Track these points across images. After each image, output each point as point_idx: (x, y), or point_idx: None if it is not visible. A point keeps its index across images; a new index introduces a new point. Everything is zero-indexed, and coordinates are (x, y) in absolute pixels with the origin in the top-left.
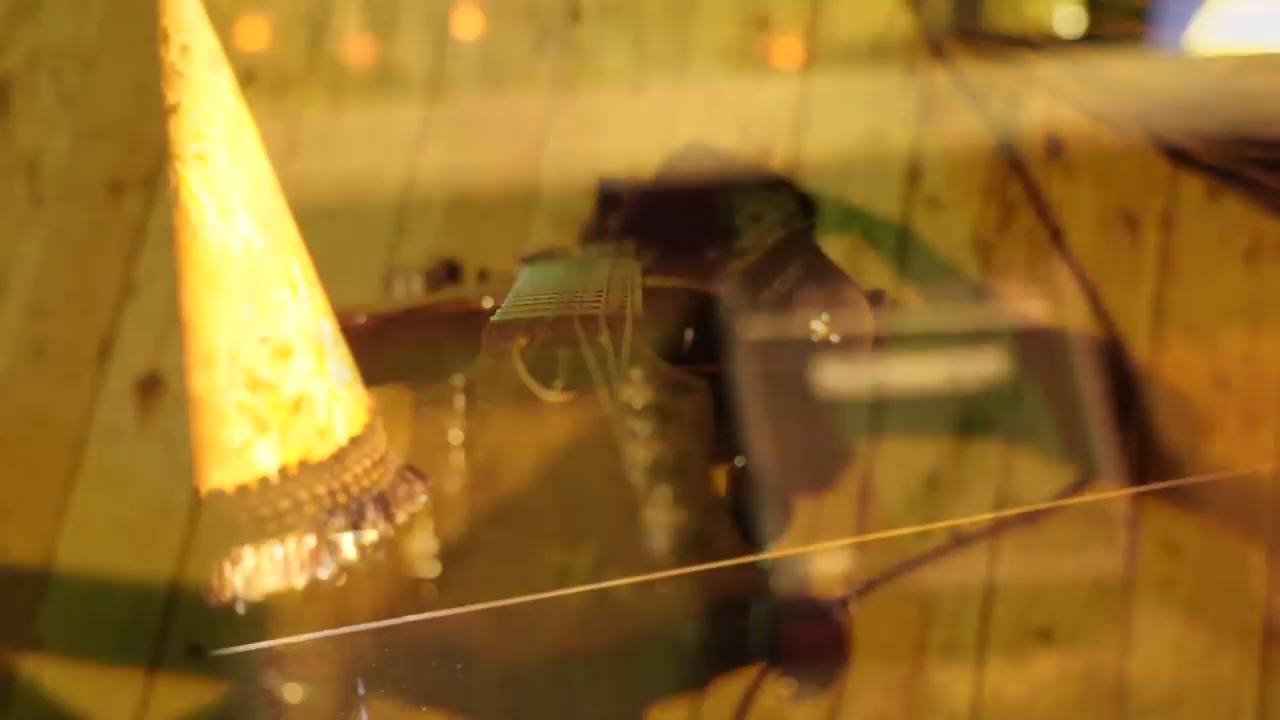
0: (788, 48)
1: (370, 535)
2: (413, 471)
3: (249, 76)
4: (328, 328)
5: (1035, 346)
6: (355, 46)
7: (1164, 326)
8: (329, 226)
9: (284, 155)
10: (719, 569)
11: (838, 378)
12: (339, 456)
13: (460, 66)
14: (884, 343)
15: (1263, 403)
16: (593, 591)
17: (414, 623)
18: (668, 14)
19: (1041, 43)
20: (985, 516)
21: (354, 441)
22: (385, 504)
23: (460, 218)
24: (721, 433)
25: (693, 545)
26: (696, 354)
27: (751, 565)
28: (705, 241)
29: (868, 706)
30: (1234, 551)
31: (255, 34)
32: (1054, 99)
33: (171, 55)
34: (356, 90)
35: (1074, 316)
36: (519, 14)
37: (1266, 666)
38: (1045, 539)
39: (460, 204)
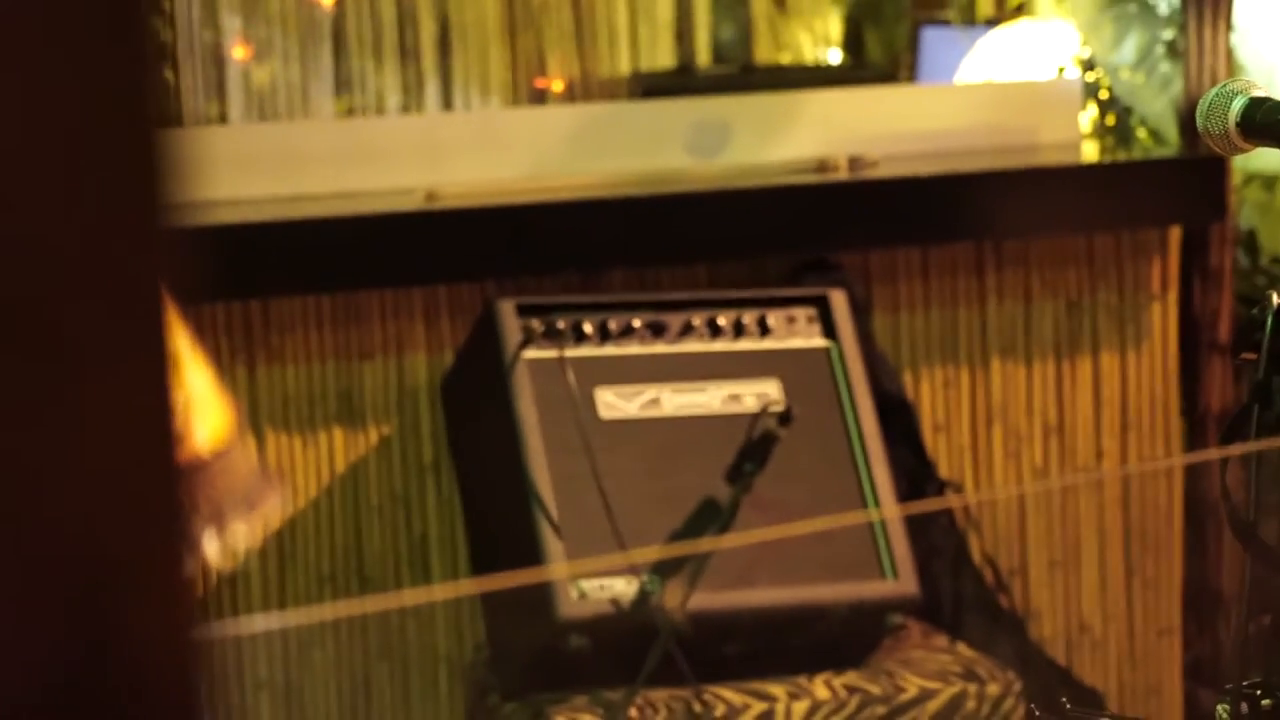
0: (557, 82)
1: (232, 538)
2: (271, 478)
3: None
4: (185, 339)
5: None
6: None
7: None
8: None
9: None
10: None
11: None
12: (200, 462)
13: (236, 99)
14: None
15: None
16: None
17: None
18: (439, 48)
19: (808, 77)
20: (777, 531)
21: (216, 447)
22: (247, 508)
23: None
24: None
25: None
26: None
27: None
28: None
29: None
30: (993, 570)
31: None
32: (822, 130)
33: None
34: None
35: (847, 339)
36: (291, 47)
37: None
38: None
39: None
